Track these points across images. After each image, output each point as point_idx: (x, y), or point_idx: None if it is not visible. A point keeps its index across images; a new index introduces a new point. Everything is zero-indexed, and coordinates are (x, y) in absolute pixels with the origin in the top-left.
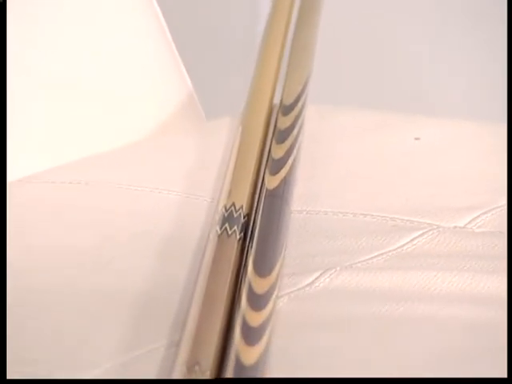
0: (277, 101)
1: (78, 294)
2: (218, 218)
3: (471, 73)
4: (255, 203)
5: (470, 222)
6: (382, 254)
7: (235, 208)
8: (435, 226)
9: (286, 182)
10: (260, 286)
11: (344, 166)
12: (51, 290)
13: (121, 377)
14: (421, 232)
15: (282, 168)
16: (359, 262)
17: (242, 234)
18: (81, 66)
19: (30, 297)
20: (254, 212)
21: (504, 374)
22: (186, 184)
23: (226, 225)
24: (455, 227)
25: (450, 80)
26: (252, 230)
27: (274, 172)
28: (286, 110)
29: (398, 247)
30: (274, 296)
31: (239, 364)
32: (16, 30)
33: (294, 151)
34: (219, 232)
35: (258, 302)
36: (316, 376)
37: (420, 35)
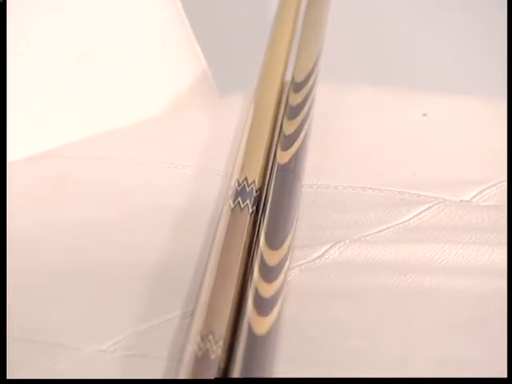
0: (288, 78)
1: (94, 266)
2: (231, 192)
3: (475, 50)
4: (267, 178)
5: (475, 196)
6: (389, 227)
7: (247, 182)
8: (442, 200)
9: (297, 157)
10: (272, 258)
11: (353, 142)
12: (68, 263)
13: (136, 346)
14: (428, 206)
15: (293, 143)
16: (368, 235)
17: (255, 207)
18: (96, 43)
19: (47, 269)
20: (266, 186)
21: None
22: (200, 159)
23: (239, 199)
24: (461, 201)
25: (454, 56)
26: (264, 204)
27: (286, 147)
28: (298, 87)
29: (406, 220)
30: (285, 268)
31: (251, 334)
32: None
33: (305, 127)
34: (232, 206)
35: (269, 273)
36: (324, 345)
37: (425, 13)
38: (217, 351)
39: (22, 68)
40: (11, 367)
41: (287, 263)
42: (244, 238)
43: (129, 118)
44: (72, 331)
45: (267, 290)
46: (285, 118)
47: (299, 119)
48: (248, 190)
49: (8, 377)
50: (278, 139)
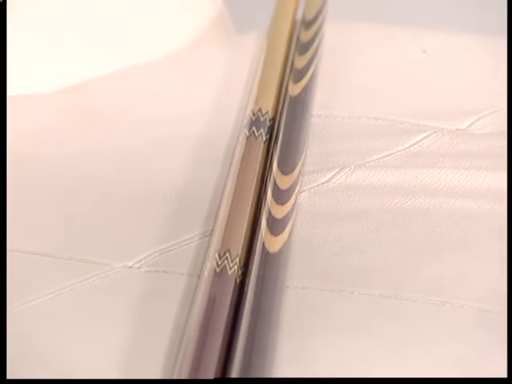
0: (300, 16)
1: (120, 192)
2: (246, 122)
3: None
4: (280, 109)
5: (470, 125)
6: (392, 153)
7: (261, 113)
8: (439, 129)
9: (307, 90)
10: (283, 182)
11: (358, 76)
12: (96, 189)
13: (159, 263)
14: (426, 134)
15: (303, 77)
16: (372, 161)
17: (268, 136)
18: None
19: (76, 194)
20: (278, 116)
21: (503, 264)
22: (217, 91)
23: (254, 128)
24: (457, 129)
25: None
26: (277, 133)
27: (297, 80)
28: (308, 24)
29: (407, 147)
30: (296, 191)
31: (265, 252)
32: None
33: (315, 61)
34: (247, 135)
35: (281, 196)
36: (331, 262)
37: None
38: (233, 267)
39: (51, 7)
40: (46, 282)
41: (298, 187)
42: (258, 164)
43: (150, 54)
44: (102, 250)
45: (279, 212)
46: (296, 53)
47: (309, 54)
48: (262, 119)
49: (45, 291)
50: (289, 73)
